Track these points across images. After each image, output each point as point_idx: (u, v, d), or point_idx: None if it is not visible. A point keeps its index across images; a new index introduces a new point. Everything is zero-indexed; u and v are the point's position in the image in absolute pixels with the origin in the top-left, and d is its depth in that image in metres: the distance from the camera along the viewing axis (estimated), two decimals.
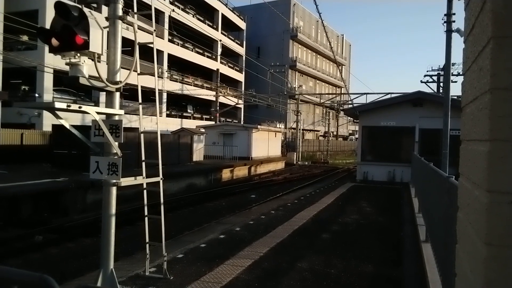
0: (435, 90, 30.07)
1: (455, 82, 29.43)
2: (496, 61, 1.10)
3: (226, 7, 43.34)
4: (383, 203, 12.95)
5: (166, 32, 32.23)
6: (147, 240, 5.45)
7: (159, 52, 30.88)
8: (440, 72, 30.13)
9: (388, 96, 28.01)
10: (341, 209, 11.52)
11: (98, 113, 4.49)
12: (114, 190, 4.77)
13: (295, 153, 39.28)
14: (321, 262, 6.40)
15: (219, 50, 40.60)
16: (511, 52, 1.09)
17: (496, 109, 1.10)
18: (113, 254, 4.80)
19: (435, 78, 31.22)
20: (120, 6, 4.80)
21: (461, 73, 28.70)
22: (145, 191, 5.40)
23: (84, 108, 4.21)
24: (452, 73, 15.04)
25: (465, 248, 1.41)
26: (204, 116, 39.02)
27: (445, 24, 12.63)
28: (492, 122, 1.11)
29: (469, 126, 1.41)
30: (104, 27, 4.47)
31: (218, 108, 36.39)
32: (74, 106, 4.11)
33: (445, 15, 12.68)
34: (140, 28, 5.19)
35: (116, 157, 4.64)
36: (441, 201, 4.47)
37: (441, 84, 29.34)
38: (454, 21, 12.63)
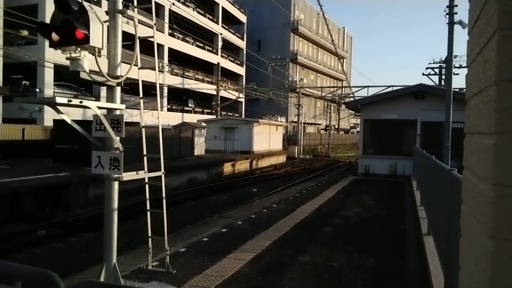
0: (437, 83, 29.93)
1: (457, 74, 29.34)
2: (502, 53, 1.08)
3: (227, 0, 43.09)
4: (385, 196, 12.96)
5: (166, 26, 32.08)
6: (149, 234, 5.47)
7: (160, 46, 30.77)
8: (442, 64, 29.95)
9: (390, 89, 27.87)
10: (343, 203, 11.53)
11: (99, 107, 4.49)
12: (116, 184, 4.78)
13: (297, 147, 39.26)
14: (323, 255, 6.42)
15: (220, 43, 40.45)
16: None
17: (502, 101, 1.09)
18: (116, 248, 4.82)
19: (437, 70, 31.04)
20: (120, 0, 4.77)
21: (463, 66, 28.59)
22: (147, 186, 5.40)
23: (85, 102, 4.21)
24: (454, 65, 14.94)
25: (469, 241, 1.41)
26: (205, 110, 38.99)
27: (447, 16, 12.55)
28: (498, 115, 1.10)
29: (474, 119, 1.40)
30: (104, 21, 4.44)
31: (219, 102, 36.34)
32: (75, 101, 4.11)
33: (447, 7, 12.59)
34: (140, 22, 5.17)
35: (117, 151, 4.64)
36: (443, 194, 4.46)
37: (443, 76, 29.17)
38: (456, 13, 12.55)
